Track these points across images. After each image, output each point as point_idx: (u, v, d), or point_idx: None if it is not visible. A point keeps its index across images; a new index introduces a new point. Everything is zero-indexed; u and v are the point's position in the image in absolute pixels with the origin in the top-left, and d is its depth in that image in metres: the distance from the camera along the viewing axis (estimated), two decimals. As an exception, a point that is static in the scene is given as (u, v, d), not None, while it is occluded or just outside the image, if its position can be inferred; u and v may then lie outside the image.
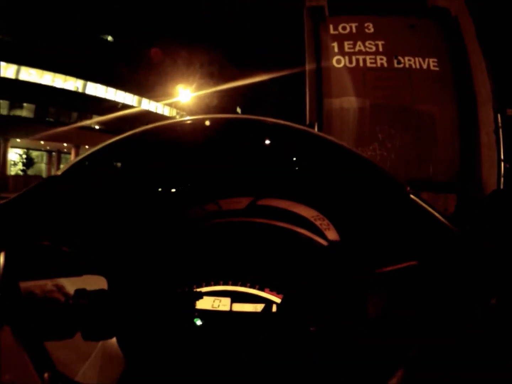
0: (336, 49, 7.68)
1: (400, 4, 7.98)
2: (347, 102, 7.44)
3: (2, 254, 1.15)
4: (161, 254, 1.66)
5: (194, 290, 1.63)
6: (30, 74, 47.16)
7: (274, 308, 1.64)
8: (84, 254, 1.49)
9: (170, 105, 55.91)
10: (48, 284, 1.30)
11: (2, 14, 42.72)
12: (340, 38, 7.75)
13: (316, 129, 7.75)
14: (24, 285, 1.20)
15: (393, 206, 1.46)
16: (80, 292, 1.31)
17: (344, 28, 7.77)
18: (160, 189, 1.76)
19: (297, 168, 1.69)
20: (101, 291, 1.35)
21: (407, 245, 1.45)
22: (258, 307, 1.64)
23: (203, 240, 1.76)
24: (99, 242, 1.55)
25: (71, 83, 49.94)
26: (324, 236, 1.71)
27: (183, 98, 43.10)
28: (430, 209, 1.33)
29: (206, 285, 1.67)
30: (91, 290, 1.34)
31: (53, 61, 46.88)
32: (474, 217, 1.54)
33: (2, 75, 45.00)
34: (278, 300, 1.65)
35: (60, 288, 1.31)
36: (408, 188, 1.39)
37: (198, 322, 1.56)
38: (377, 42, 7.59)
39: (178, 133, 1.57)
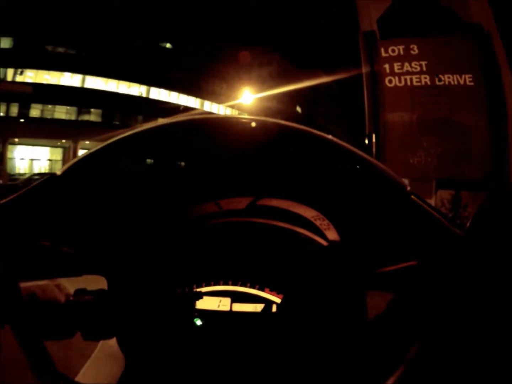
0: (387, 70, 9.08)
1: (439, 23, 9.10)
2: (398, 116, 8.87)
3: (2, 254, 1.18)
4: (161, 254, 1.66)
5: (194, 290, 1.65)
6: (95, 82, 49.95)
7: (274, 308, 1.66)
8: (84, 254, 1.49)
9: (232, 106, 56.57)
10: (48, 284, 1.31)
11: (66, 28, 45.40)
12: (390, 60, 9.11)
13: (373, 139, 9.35)
14: (24, 285, 1.22)
15: (394, 206, 1.47)
16: (80, 292, 1.34)
17: (393, 51, 9.10)
18: (160, 189, 1.74)
19: (297, 168, 1.67)
20: (101, 291, 1.38)
21: (407, 246, 1.47)
22: (258, 307, 1.65)
23: (203, 240, 1.75)
24: (99, 242, 1.55)
25: (135, 89, 52.31)
26: (324, 236, 1.71)
27: (245, 100, 43.60)
28: (430, 209, 1.34)
29: (206, 285, 1.67)
30: (91, 290, 1.38)
31: (116, 69, 49.73)
32: (475, 218, 1.39)
33: (69, 84, 48.13)
34: (278, 300, 1.66)
35: (60, 288, 1.33)
36: (409, 188, 1.39)
37: (198, 322, 1.58)
38: (421, 62, 8.89)
39: (180, 133, 1.58)
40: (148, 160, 1.90)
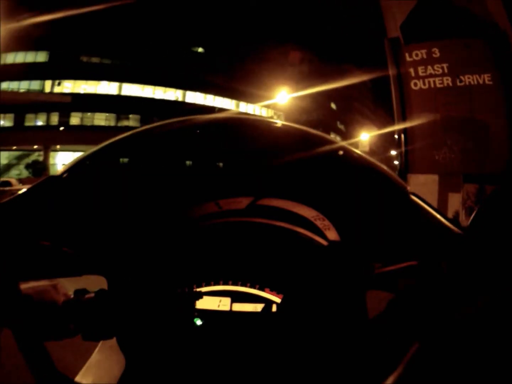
0: (412, 74, 9.79)
1: (458, 25, 9.57)
2: (423, 116, 9.56)
3: (2, 254, 1.19)
4: (161, 254, 1.65)
5: (194, 290, 1.62)
6: (132, 89, 51.91)
7: (274, 308, 1.65)
8: (84, 254, 1.48)
9: (267, 106, 57.73)
10: (45, 285, 1.29)
11: (99, 38, 47.66)
12: (415, 64, 9.79)
13: (402, 138, 10.09)
14: (23, 286, 1.22)
15: (394, 206, 1.48)
16: (79, 292, 1.32)
17: (416, 55, 9.76)
18: (160, 189, 1.73)
19: (298, 168, 1.65)
20: (101, 291, 1.35)
21: (407, 245, 1.48)
22: (258, 307, 1.64)
23: (203, 240, 1.73)
24: (99, 242, 1.53)
25: (171, 94, 54.00)
26: (324, 236, 1.70)
27: (280, 100, 43.53)
28: (430, 209, 1.35)
29: (206, 285, 1.65)
30: (90, 291, 1.35)
31: (152, 75, 51.47)
32: (475, 217, 1.25)
33: (106, 92, 50.05)
34: (278, 300, 1.65)
35: (58, 289, 1.31)
36: (408, 189, 1.41)
37: (198, 322, 1.58)
38: (442, 65, 9.53)
39: (179, 133, 1.61)
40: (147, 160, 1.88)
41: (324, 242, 1.71)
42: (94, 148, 1.47)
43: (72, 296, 1.32)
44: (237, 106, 59.14)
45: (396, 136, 10.74)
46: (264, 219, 1.76)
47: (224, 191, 1.70)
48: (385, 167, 1.47)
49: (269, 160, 1.72)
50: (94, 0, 40.50)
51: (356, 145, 47.50)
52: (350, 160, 1.51)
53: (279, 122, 1.62)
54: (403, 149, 10.20)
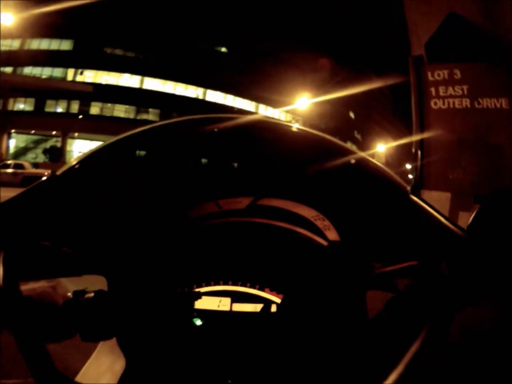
0: (433, 93, 9.95)
1: (481, 49, 9.74)
2: (441, 136, 9.62)
3: (2, 254, 1.15)
4: (161, 254, 1.63)
5: (194, 290, 1.62)
6: (154, 83, 52.36)
7: (274, 308, 1.64)
8: (84, 254, 1.48)
9: (287, 111, 57.91)
10: (43, 286, 1.30)
11: (124, 30, 48.28)
12: (436, 84, 10.12)
13: (419, 154, 10.32)
14: (23, 287, 1.22)
15: (394, 206, 1.47)
16: (78, 293, 1.33)
17: (438, 75, 10.11)
18: (160, 190, 1.73)
19: (298, 168, 1.67)
20: (100, 291, 1.36)
21: (408, 246, 1.48)
22: (258, 307, 1.63)
23: (203, 240, 1.72)
24: (99, 242, 1.53)
25: (191, 91, 54.38)
26: (324, 236, 1.70)
27: (300, 105, 43.93)
28: (431, 210, 1.34)
29: (206, 285, 1.63)
30: (90, 291, 1.36)
31: (174, 71, 52.20)
32: (475, 218, 1.20)
33: (128, 85, 50.89)
34: (278, 300, 1.64)
35: (56, 290, 1.32)
36: (409, 189, 1.40)
37: (198, 322, 1.56)
38: (462, 86, 9.88)
39: (179, 133, 1.60)
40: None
41: (324, 242, 1.72)
42: (94, 149, 1.46)
43: (71, 296, 1.34)
44: (257, 108, 59.53)
45: (413, 150, 11.04)
46: (264, 219, 1.76)
47: (228, 190, 1.71)
48: (385, 167, 1.46)
49: (270, 161, 1.78)
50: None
51: (372, 156, 47.50)
52: (348, 159, 1.49)
53: (281, 122, 1.57)
54: (418, 164, 10.39)
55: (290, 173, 1.74)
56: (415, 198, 1.37)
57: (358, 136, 78.72)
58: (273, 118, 1.72)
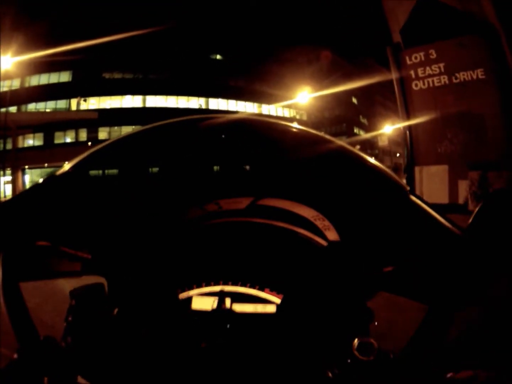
0: (413, 76, 10.81)
1: (451, 25, 10.41)
2: (425, 114, 10.60)
3: (2, 255, 1.18)
4: (161, 254, 1.60)
5: (194, 290, 1.56)
6: (156, 100, 53.13)
7: (273, 309, 1.56)
8: (84, 255, 1.47)
9: (289, 106, 58.29)
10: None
11: (118, 54, 49.45)
12: (414, 67, 10.79)
13: (408, 134, 11.13)
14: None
15: (393, 206, 1.46)
16: (76, 292, 1.32)
17: (416, 58, 10.74)
18: (160, 190, 1.71)
19: (298, 168, 1.64)
20: (99, 290, 1.37)
21: (407, 245, 1.48)
22: (258, 307, 1.57)
23: (203, 240, 1.67)
24: (99, 242, 1.54)
25: (194, 102, 55.11)
26: (324, 236, 1.64)
27: (301, 99, 44.22)
28: (430, 210, 1.35)
29: (206, 285, 1.57)
30: (87, 289, 1.36)
31: (173, 86, 52.91)
32: (475, 218, 1.21)
33: (131, 105, 51.70)
34: (278, 301, 1.57)
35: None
36: (408, 189, 1.38)
37: (198, 322, 1.49)
38: (439, 64, 10.51)
39: (179, 133, 1.60)
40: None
41: (324, 242, 1.66)
42: (93, 149, 1.47)
43: (69, 298, 1.31)
44: (259, 108, 60.11)
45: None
46: (264, 219, 1.72)
47: (228, 190, 1.70)
48: (385, 168, 1.46)
49: (269, 160, 1.79)
50: (109, 20, 42.85)
51: (377, 138, 47.37)
52: (350, 160, 1.50)
53: (280, 122, 1.56)
54: (408, 144, 11.39)
55: (289, 173, 1.74)
56: (414, 198, 1.39)
57: (364, 121, 79.11)
58: (263, 115, 2.15)
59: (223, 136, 1.61)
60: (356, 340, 1.23)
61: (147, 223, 1.64)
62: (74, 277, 1.50)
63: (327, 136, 1.50)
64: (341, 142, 1.47)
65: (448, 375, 1.01)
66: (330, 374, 1.32)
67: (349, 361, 1.25)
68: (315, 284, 1.56)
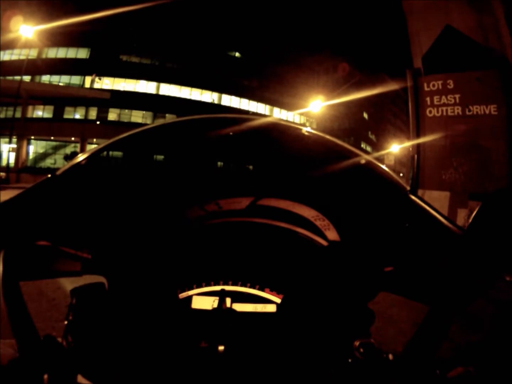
0: (428, 103, 11.05)
1: (474, 59, 10.67)
2: (434, 141, 10.88)
3: (2, 254, 1.18)
4: (161, 254, 1.60)
5: (194, 290, 1.57)
6: (169, 89, 53.19)
7: (273, 308, 1.59)
8: (84, 254, 1.47)
9: (301, 114, 58.12)
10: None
11: (139, 38, 49.54)
12: (431, 94, 11.05)
13: (416, 157, 11.51)
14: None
15: (394, 206, 1.47)
16: (76, 290, 1.32)
17: (433, 86, 11.01)
18: (160, 190, 1.72)
19: (298, 168, 1.66)
20: (99, 289, 1.37)
21: (408, 245, 1.48)
22: (258, 307, 1.59)
23: (203, 240, 1.68)
24: (99, 242, 1.54)
25: (207, 96, 55.04)
26: (324, 236, 1.66)
27: (314, 108, 44.28)
28: (430, 209, 1.35)
29: (206, 285, 1.58)
30: (88, 288, 1.36)
31: (189, 77, 53.07)
32: (475, 218, 1.16)
33: (144, 91, 51.67)
34: (278, 300, 1.60)
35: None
36: (408, 189, 1.40)
37: (198, 321, 1.49)
38: (455, 95, 10.75)
39: (179, 133, 1.61)
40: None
41: (324, 242, 1.68)
42: (93, 149, 1.47)
43: (69, 296, 1.32)
44: (271, 111, 59.82)
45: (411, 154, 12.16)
46: (264, 219, 1.73)
47: (228, 190, 1.71)
48: (385, 168, 1.46)
49: (272, 161, 1.78)
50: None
51: (384, 156, 47.52)
52: (350, 160, 1.49)
53: (290, 124, 1.58)
54: (415, 166, 11.77)
55: (291, 174, 1.76)
56: (414, 198, 1.40)
57: (372, 137, 78.82)
58: (283, 120, 1.68)
59: (231, 133, 1.59)
60: (356, 341, 1.30)
61: (147, 222, 1.67)
62: (75, 277, 1.52)
63: (327, 136, 1.53)
64: (346, 144, 1.51)
65: (447, 375, 1.10)
66: (330, 374, 1.38)
67: (349, 361, 1.30)
68: (315, 284, 1.60)
